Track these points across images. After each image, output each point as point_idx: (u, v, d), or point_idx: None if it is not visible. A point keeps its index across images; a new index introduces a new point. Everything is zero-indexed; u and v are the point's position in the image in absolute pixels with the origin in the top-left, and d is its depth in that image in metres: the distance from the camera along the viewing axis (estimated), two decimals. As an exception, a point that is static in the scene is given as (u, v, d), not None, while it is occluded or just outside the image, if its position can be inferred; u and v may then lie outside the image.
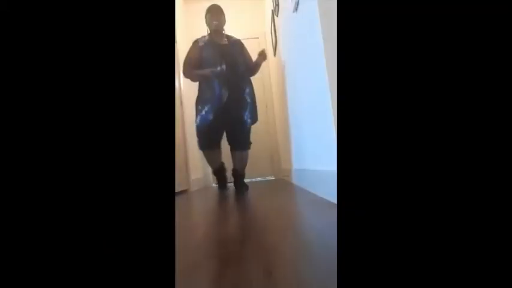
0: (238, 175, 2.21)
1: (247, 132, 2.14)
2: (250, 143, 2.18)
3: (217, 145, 2.14)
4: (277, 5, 2.43)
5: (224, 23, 2.22)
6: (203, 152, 2.16)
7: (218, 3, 2.21)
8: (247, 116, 2.11)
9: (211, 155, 2.15)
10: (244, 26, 3.66)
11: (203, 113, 2.05)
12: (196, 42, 2.19)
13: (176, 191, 2.44)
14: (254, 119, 2.19)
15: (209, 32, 2.22)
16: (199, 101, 2.12)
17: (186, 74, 2.17)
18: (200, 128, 2.07)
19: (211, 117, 2.02)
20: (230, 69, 2.06)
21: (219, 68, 2.04)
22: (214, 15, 2.15)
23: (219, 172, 2.25)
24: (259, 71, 2.32)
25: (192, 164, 2.98)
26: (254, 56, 2.23)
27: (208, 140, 2.09)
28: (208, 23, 2.19)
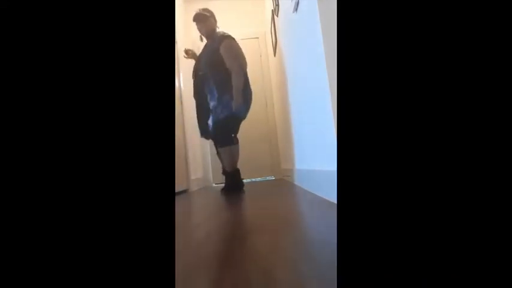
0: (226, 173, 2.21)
1: (223, 127, 2.11)
2: (231, 138, 2.12)
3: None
4: (277, 5, 2.43)
5: (212, 27, 2.26)
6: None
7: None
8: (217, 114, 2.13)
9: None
10: (244, 26, 3.66)
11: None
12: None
13: (176, 191, 2.44)
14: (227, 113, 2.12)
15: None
16: None
17: None
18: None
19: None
20: (196, 76, 2.26)
21: (193, 79, 2.33)
22: (200, 24, 2.24)
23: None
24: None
25: (192, 164, 2.98)
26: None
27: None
28: (198, 29, 2.29)
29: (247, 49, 3.69)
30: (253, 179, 3.41)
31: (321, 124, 1.26)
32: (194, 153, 3.13)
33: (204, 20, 2.22)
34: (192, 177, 2.94)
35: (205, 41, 2.34)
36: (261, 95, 3.60)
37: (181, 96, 2.91)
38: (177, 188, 2.46)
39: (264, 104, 3.59)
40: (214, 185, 3.45)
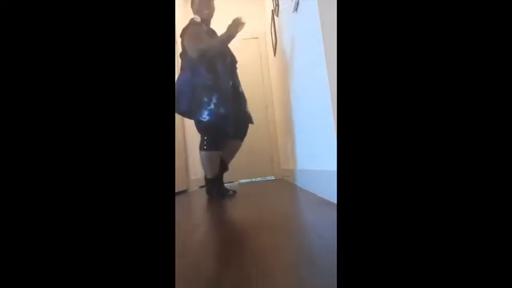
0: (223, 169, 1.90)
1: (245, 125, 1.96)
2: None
3: (220, 144, 1.83)
4: (277, 5, 2.43)
5: (214, 11, 1.97)
6: (208, 152, 1.78)
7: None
8: (247, 110, 1.95)
9: (215, 156, 1.81)
10: (244, 26, 3.65)
11: (212, 106, 1.68)
12: (196, 23, 1.85)
13: (176, 191, 2.44)
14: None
15: (199, 20, 1.90)
16: (206, 91, 1.72)
17: (194, 47, 1.75)
18: (212, 124, 1.70)
19: (223, 110, 1.68)
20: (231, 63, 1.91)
21: (227, 61, 1.85)
22: (204, 2, 1.85)
23: (217, 180, 1.88)
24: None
25: (191, 164, 2.98)
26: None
27: (215, 140, 1.76)
28: (197, 11, 1.87)
29: (247, 49, 3.70)
30: (253, 179, 3.41)
31: (321, 124, 1.26)
32: (194, 153, 3.13)
33: (208, 4, 1.88)
34: (192, 177, 2.94)
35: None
36: (261, 95, 3.60)
37: (181, 96, 2.91)
38: (177, 188, 2.46)
39: (264, 104, 3.59)
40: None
